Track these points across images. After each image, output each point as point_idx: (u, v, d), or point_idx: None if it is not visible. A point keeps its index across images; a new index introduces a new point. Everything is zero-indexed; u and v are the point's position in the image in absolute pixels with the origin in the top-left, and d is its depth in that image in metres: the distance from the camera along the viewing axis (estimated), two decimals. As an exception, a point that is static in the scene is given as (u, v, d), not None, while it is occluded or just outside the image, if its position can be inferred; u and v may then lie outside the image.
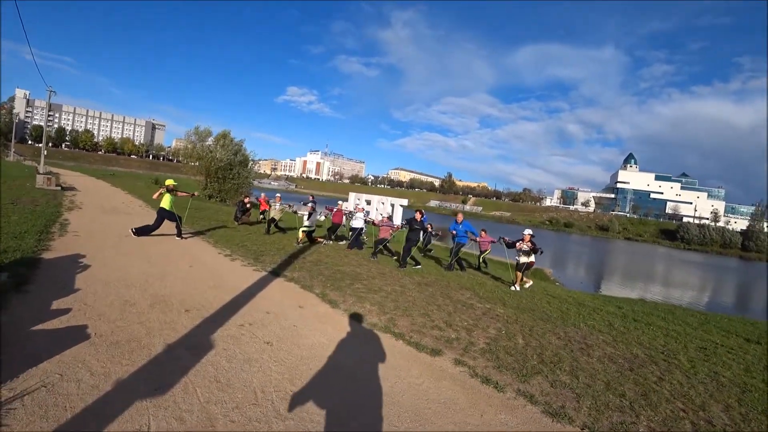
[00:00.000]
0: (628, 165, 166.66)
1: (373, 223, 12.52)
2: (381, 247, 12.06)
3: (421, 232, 11.28)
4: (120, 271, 6.40)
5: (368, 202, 21.41)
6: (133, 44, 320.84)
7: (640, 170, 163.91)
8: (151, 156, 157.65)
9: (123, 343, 3.87)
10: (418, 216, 11.37)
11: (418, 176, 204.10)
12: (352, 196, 25.08)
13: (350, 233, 14.97)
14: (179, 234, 10.14)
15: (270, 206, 15.06)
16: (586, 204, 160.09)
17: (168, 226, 10.11)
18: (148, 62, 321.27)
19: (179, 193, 10.82)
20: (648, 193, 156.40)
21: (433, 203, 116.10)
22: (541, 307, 8.65)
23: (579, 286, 22.46)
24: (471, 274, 12.03)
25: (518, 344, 5.64)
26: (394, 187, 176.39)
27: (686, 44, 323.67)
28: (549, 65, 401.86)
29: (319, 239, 12.97)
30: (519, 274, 10.77)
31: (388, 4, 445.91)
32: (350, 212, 14.79)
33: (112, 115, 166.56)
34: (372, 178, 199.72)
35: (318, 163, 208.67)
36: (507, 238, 11.43)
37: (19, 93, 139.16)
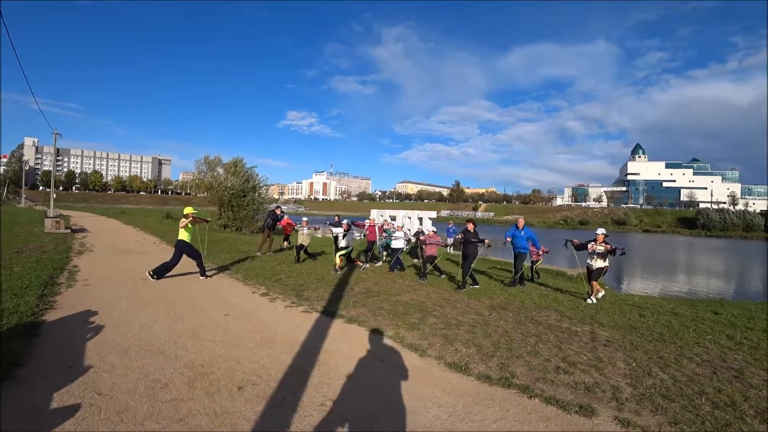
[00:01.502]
0: (637, 156, 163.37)
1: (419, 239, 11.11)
2: (431, 266, 10.63)
3: (479, 246, 9.81)
4: (141, 330, 5.03)
5: (393, 218, 20.07)
6: (132, 84, 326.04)
7: (649, 160, 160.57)
8: (159, 191, 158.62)
9: (160, 466, 2.47)
10: (470, 227, 9.92)
11: (425, 188, 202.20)
12: (374, 212, 23.71)
13: (380, 252, 13.49)
14: (203, 273, 8.77)
15: (294, 231, 13.73)
16: (598, 200, 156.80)
17: (186, 261, 8.75)
18: (149, 100, 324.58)
19: (197, 220, 9.44)
20: (660, 182, 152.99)
21: (444, 213, 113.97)
22: (639, 322, 7.29)
23: (632, 287, 20.69)
24: (535, 288, 10.51)
25: (665, 381, 4.39)
26: (402, 200, 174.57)
27: (676, 30, 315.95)
28: (541, 65, 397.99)
29: (357, 262, 11.58)
30: (595, 284, 9.28)
31: (377, 23, 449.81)
32: (383, 227, 13.38)
33: (119, 155, 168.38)
34: (380, 193, 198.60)
35: (324, 184, 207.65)
36: (576, 240, 9.91)
37: (28, 141, 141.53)
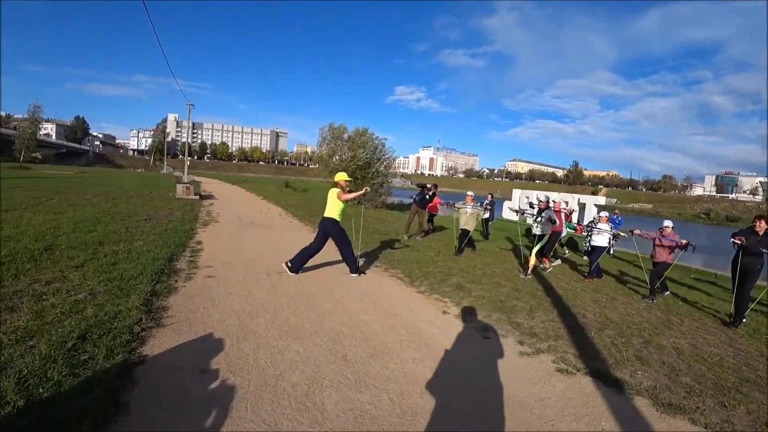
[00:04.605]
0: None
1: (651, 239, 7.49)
2: (659, 282, 7.09)
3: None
4: (303, 414, 2.57)
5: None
6: (253, 64, 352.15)
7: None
8: (276, 161, 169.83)
9: None
10: (761, 226, 6.10)
11: (537, 167, 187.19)
12: (516, 192, 20.17)
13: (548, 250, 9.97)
14: (353, 269, 6.32)
15: (456, 210, 10.98)
16: (753, 191, 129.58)
17: (327, 246, 6.40)
18: (267, 78, 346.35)
19: (349, 194, 6.56)
20: None
21: (555, 195, 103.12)
22: None
23: None
24: None
25: None
26: (512, 179, 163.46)
27: None
28: (682, 28, 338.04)
29: (546, 261, 8.46)
30: None
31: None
32: (570, 214, 9.96)
33: (242, 128, 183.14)
34: (487, 171, 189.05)
35: (431, 159, 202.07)
36: None
37: (171, 116, 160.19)
